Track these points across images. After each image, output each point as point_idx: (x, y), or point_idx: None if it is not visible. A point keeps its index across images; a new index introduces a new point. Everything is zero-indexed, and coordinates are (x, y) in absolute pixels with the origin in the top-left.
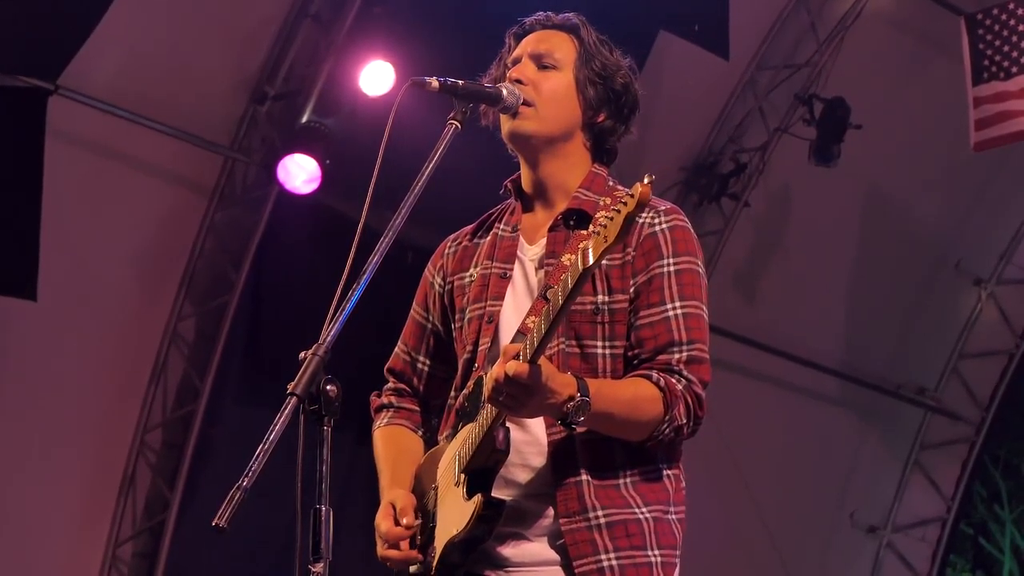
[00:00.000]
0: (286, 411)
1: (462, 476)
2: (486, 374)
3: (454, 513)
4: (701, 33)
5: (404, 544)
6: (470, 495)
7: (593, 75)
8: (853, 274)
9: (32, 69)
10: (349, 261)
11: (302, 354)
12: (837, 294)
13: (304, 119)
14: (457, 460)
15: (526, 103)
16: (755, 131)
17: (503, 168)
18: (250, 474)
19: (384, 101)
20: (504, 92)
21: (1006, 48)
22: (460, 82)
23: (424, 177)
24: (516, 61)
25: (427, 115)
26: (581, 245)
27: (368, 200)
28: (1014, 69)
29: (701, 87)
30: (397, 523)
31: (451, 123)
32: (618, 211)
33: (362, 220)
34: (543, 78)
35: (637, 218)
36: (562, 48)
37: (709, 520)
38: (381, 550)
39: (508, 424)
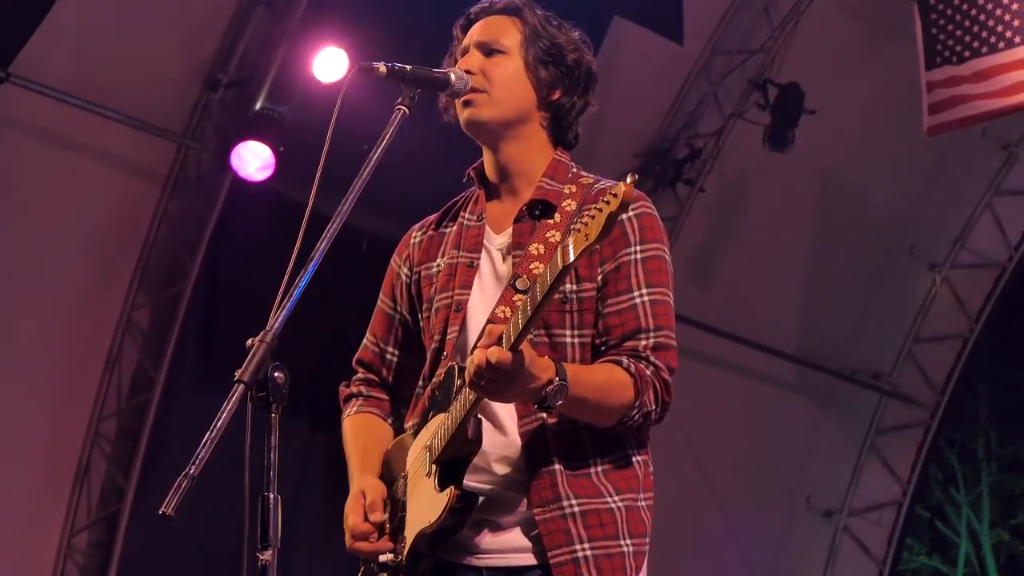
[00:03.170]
0: (233, 398)
1: (433, 467)
2: (456, 363)
3: (425, 504)
4: (656, 19)
5: (372, 537)
6: (442, 486)
7: (541, 54)
8: (808, 259)
9: None
10: (296, 248)
11: (249, 341)
12: (792, 279)
13: (257, 106)
14: (429, 451)
15: (476, 90)
16: (710, 117)
17: (457, 156)
18: (197, 462)
19: (338, 88)
20: (452, 77)
21: (959, 33)
22: (408, 67)
23: (372, 163)
24: (465, 52)
25: (381, 101)
26: (562, 242)
27: (315, 186)
28: (967, 53)
29: (655, 73)
30: (366, 517)
31: (399, 108)
32: (600, 210)
33: (309, 207)
34: (491, 65)
35: (620, 216)
36: (508, 33)
37: (665, 505)
38: (349, 543)
39: (479, 415)
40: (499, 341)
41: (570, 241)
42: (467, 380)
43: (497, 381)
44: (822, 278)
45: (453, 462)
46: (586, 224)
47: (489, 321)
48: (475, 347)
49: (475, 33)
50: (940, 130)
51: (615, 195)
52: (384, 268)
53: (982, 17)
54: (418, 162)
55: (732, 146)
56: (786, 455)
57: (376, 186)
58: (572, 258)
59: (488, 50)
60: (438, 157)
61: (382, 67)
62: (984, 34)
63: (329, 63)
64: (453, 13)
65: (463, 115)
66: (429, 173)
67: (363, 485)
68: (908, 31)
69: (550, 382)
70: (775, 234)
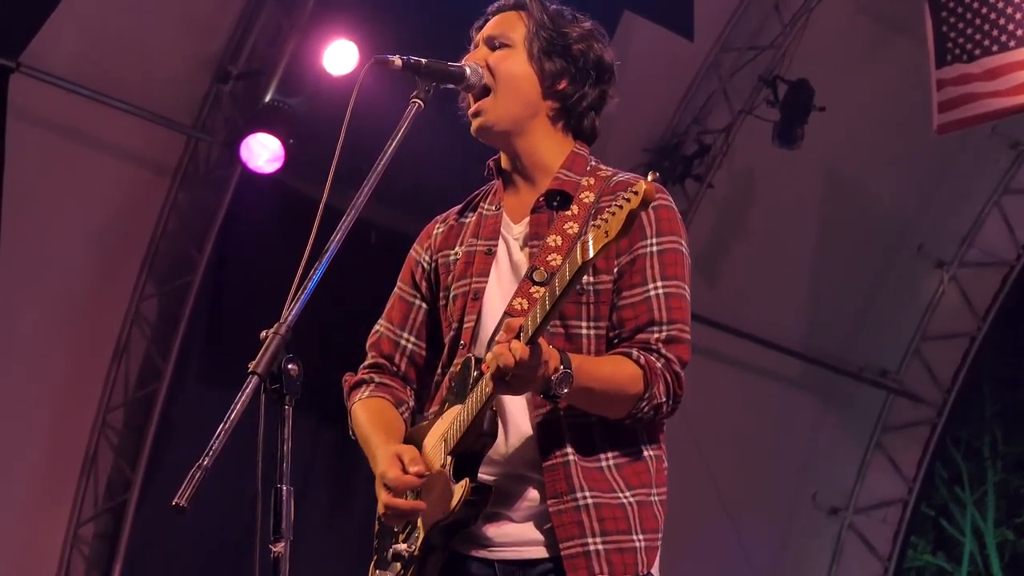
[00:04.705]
0: (247, 390)
1: (448, 458)
2: (473, 355)
3: (440, 495)
4: (666, 14)
5: (411, 493)
6: (457, 479)
7: (546, 45)
8: (816, 256)
9: None
10: (311, 240)
11: (263, 333)
12: (800, 276)
13: (267, 98)
14: (444, 442)
15: (486, 89)
16: (719, 113)
17: (468, 150)
18: (211, 453)
19: (348, 80)
20: (467, 71)
21: (969, 31)
22: (423, 60)
23: (387, 156)
24: (474, 47)
25: (392, 94)
26: (582, 237)
27: (330, 179)
28: (977, 51)
29: (665, 68)
30: (405, 472)
31: (414, 101)
32: (620, 207)
33: (323, 199)
34: (497, 59)
35: (641, 213)
36: (514, 27)
37: (669, 502)
38: (387, 499)
39: (494, 407)
40: (517, 335)
41: (590, 237)
42: (490, 376)
43: (520, 376)
44: (829, 275)
45: (468, 454)
46: (606, 220)
47: (507, 313)
48: (492, 340)
49: (485, 30)
50: (950, 128)
51: (636, 192)
52: (393, 260)
53: (993, 15)
54: (427, 155)
55: (741, 142)
56: (792, 452)
57: (387, 179)
58: (592, 254)
59: (494, 44)
60: (447, 150)
61: (397, 60)
62: (995, 32)
63: (339, 56)
64: (463, 6)
65: (472, 126)
66: (439, 166)
67: (396, 449)
68: (918, 28)
69: (556, 370)
70: (783, 231)
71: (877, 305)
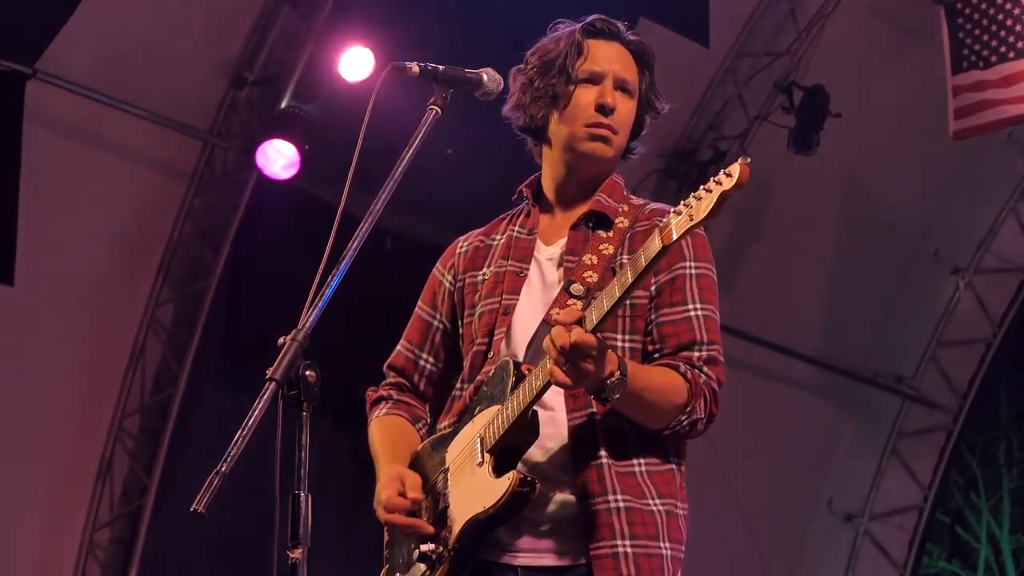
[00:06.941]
0: (265, 396)
1: (488, 456)
2: (511, 359)
3: (477, 492)
4: (681, 20)
5: (405, 512)
6: (499, 473)
7: (646, 111)
8: (831, 262)
9: (10, 53)
10: (328, 247)
11: (281, 339)
12: (815, 282)
13: (283, 104)
14: (480, 441)
15: (612, 131)
16: (734, 119)
17: (484, 156)
18: (228, 459)
19: (363, 87)
20: (485, 78)
21: (985, 37)
22: (440, 67)
23: (404, 163)
24: (595, 74)
25: (407, 101)
26: (662, 223)
27: (347, 185)
28: (993, 58)
29: (681, 74)
30: (401, 496)
31: (431, 108)
32: (709, 190)
33: (341, 205)
34: (626, 107)
35: (729, 195)
36: (635, 75)
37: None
38: (385, 515)
39: (534, 408)
40: (579, 323)
41: (671, 222)
42: (551, 356)
43: (582, 364)
44: (845, 281)
45: (507, 452)
46: (690, 207)
47: (543, 322)
48: (528, 347)
49: (613, 63)
50: (966, 134)
51: (729, 175)
52: (408, 266)
53: (1009, 22)
54: (443, 161)
55: (757, 148)
56: (807, 458)
57: (402, 185)
58: (675, 237)
59: (625, 89)
60: (463, 155)
61: (415, 67)
62: (1011, 39)
63: (355, 62)
64: (479, 13)
65: (589, 145)
66: (454, 171)
67: (398, 471)
68: (934, 35)
69: (611, 374)
70: (798, 237)
71: (893, 311)
